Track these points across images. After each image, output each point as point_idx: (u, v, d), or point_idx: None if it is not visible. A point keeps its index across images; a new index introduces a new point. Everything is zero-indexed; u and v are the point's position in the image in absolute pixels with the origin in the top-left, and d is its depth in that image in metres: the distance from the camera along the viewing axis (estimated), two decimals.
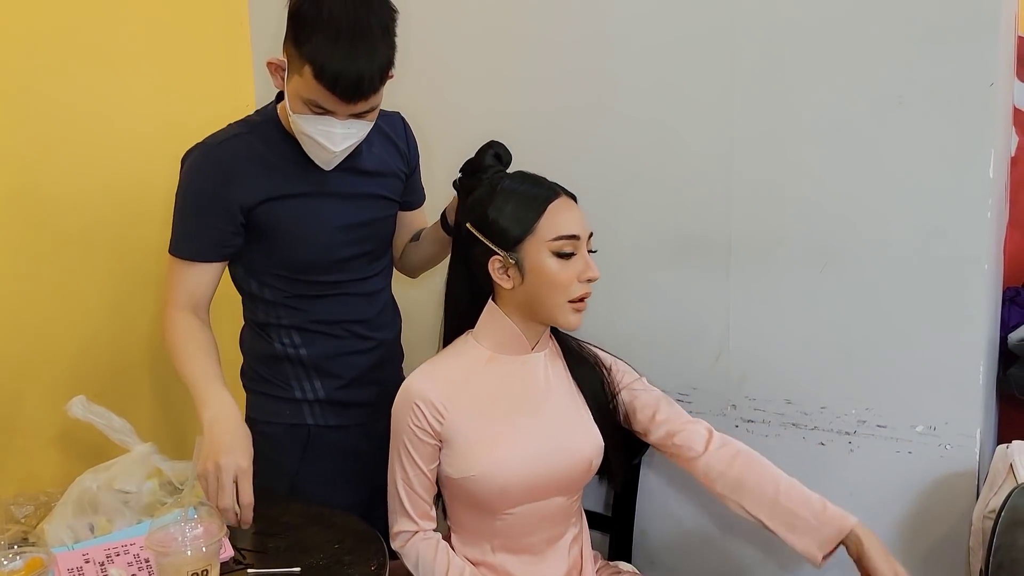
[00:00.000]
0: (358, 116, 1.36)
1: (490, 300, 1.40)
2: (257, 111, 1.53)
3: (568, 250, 1.32)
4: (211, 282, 1.48)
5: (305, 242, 1.47)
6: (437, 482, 1.40)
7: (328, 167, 1.43)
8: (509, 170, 1.41)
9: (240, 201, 1.42)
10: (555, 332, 1.48)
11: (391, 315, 1.64)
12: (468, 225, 1.36)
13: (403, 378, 1.40)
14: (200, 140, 1.47)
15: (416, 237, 1.66)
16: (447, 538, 1.43)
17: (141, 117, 1.86)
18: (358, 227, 1.51)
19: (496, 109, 1.83)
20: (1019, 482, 1.35)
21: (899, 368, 1.52)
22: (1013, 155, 2.18)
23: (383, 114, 1.51)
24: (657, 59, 1.65)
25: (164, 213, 1.52)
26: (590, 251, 1.36)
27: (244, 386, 1.60)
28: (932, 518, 1.54)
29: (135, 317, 1.88)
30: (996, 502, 1.36)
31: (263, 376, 1.56)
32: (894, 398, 1.54)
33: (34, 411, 1.68)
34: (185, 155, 1.47)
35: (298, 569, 1.25)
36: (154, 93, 1.89)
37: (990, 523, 1.34)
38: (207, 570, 1.12)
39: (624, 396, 1.45)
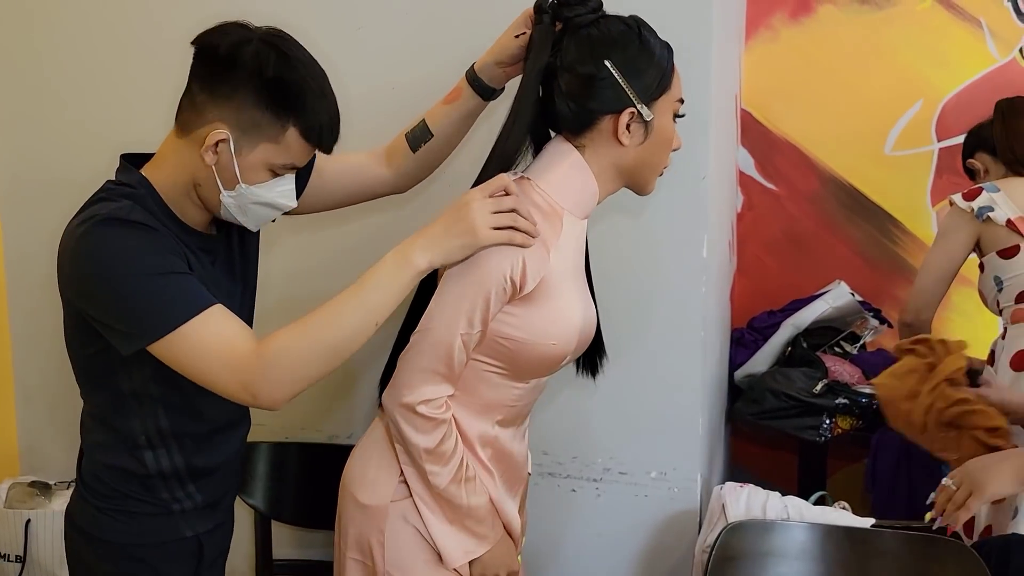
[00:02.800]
0: None
1: (573, 151, 1.24)
2: (115, 183, 1.23)
3: (678, 112, 1.27)
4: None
5: None
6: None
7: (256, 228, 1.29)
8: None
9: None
10: None
11: None
12: (609, 64, 1.19)
13: None
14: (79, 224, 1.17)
15: (419, 137, 1.42)
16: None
17: None
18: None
19: None
20: (728, 521, 1.58)
21: (636, 423, 1.73)
22: (739, 212, 2.52)
23: None
24: None
25: None
26: None
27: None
28: (664, 552, 1.75)
29: None
30: (711, 538, 1.59)
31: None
32: (633, 449, 1.74)
33: None
34: (82, 243, 1.15)
35: None
36: None
37: (707, 556, 1.57)
38: None
39: None
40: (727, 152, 2.15)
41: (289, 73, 1.16)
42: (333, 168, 1.42)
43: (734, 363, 2.35)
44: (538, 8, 1.25)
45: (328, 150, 1.24)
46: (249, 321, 1.36)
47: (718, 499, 1.66)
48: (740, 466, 2.44)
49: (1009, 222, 1.89)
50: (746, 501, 1.62)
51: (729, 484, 1.68)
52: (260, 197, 1.21)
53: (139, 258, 1.12)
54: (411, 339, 1.22)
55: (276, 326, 1.15)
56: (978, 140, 2.10)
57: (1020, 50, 2.33)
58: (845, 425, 2.15)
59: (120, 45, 1.92)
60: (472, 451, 1.28)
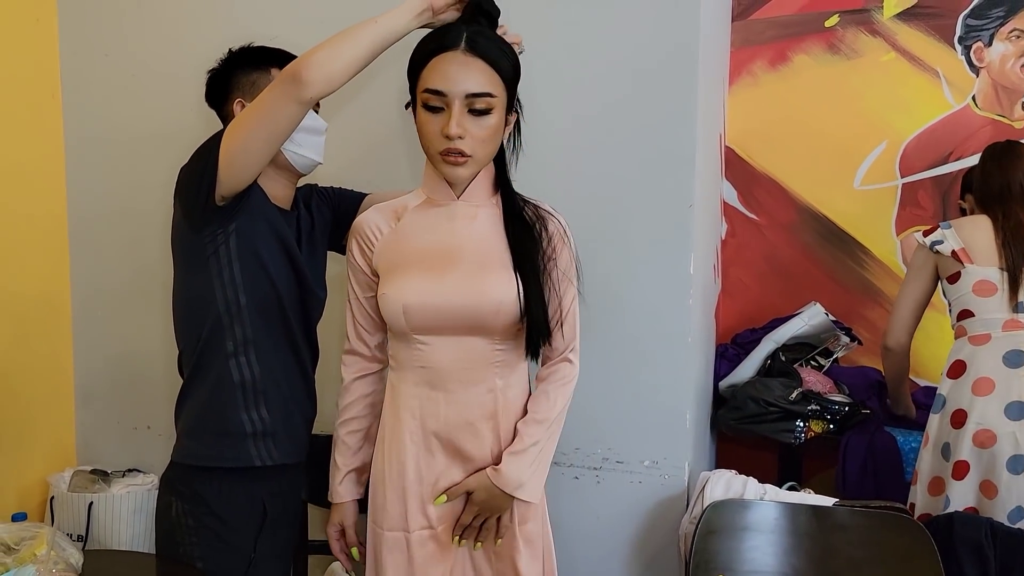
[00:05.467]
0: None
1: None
2: None
3: (435, 104, 1.38)
4: None
5: None
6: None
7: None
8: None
9: None
10: (504, 190, 1.51)
11: None
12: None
13: None
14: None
15: None
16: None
17: None
18: None
19: None
20: (710, 502, 1.82)
21: (631, 417, 1.96)
22: (723, 239, 2.77)
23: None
24: None
25: None
26: (483, 111, 1.39)
27: None
28: (656, 531, 1.98)
29: None
30: (697, 512, 1.83)
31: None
32: (629, 440, 1.97)
33: None
34: None
35: None
36: None
37: (693, 527, 1.79)
38: None
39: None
40: (712, 184, 2.41)
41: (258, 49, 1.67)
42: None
43: (718, 375, 2.55)
44: None
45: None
46: (323, 279, 1.72)
47: (702, 482, 1.89)
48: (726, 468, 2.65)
49: (953, 252, 2.14)
50: (727, 484, 1.85)
51: (717, 471, 1.92)
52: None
53: None
54: None
55: None
56: (965, 183, 2.34)
57: (972, 98, 2.58)
58: (818, 429, 2.37)
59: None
60: (401, 413, 1.49)
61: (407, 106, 1.49)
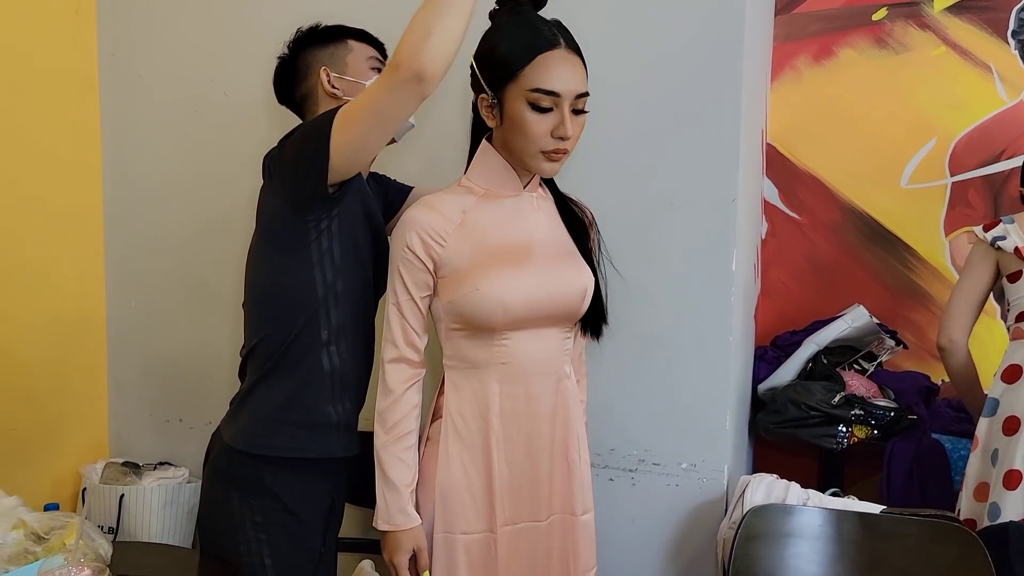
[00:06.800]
0: None
1: (484, 139, 1.45)
2: None
3: (545, 104, 1.36)
4: None
5: None
6: (435, 320, 1.46)
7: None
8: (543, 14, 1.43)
9: None
10: (547, 182, 1.54)
11: None
12: (473, 57, 1.41)
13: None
14: None
15: None
16: (442, 384, 1.49)
17: None
18: None
19: None
20: (750, 506, 1.76)
21: (669, 418, 1.91)
22: (763, 238, 2.71)
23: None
24: None
25: None
26: (582, 111, 1.39)
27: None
28: (693, 536, 1.93)
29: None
30: (736, 517, 1.77)
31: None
32: (665, 442, 1.92)
33: None
34: None
35: None
36: None
37: (732, 533, 1.74)
38: None
39: None
40: (753, 181, 2.35)
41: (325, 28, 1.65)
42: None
43: (757, 378, 2.49)
44: (491, 15, 1.47)
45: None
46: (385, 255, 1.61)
47: (742, 486, 1.84)
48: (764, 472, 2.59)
49: (1016, 249, 2.05)
50: (768, 488, 1.79)
51: (758, 475, 1.86)
52: None
53: None
54: None
55: None
56: None
57: None
58: (861, 434, 2.30)
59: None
60: (483, 414, 1.45)
61: (479, 105, 1.42)
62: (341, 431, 1.54)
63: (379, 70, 1.59)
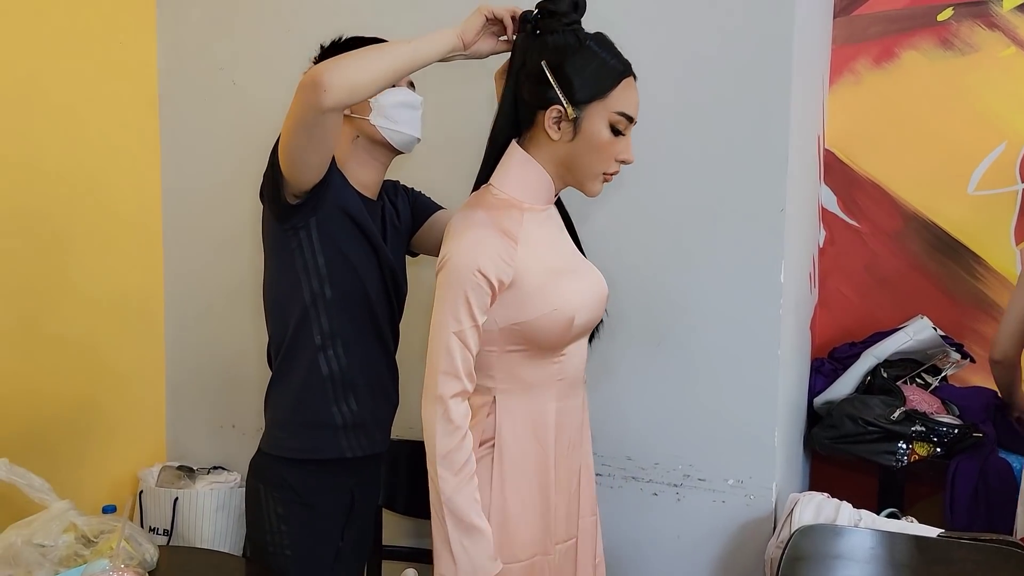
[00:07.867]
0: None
1: (518, 148, 1.41)
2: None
3: (622, 128, 1.38)
4: None
5: None
6: (481, 344, 1.36)
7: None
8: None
9: None
10: None
11: None
12: (544, 64, 1.36)
13: None
14: None
15: None
16: (492, 407, 1.40)
17: None
18: None
19: None
20: (798, 526, 1.70)
21: (715, 432, 1.87)
22: (821, 247, 2.63)
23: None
24: None
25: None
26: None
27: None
28: (739, 555, 1.87)
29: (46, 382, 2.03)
30: (784, 536, 1.71)
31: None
32: (712, 457, 1.88)
33: None
34: None
35: None
36: None
37: (779, 552, 1.68)
38: None
39: None
40: (809, 188, 2.29)
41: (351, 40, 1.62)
42: (443, 223, 1.70)
43: (813, 391, 2.42)
44: (523, 18, 1.41)
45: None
46: (404, 272, 1.69)
47: (791, 504, 1.78)
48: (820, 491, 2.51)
49: None
50: (817, 507, 1.73)
51: (807, 494, 1.79)
52: (392, 98, 1.55)
53: None
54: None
55: None
56: None
57: None
58: (922, 452, 2.20)
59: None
60: (540, 436, 1.40)
61: (546, 116, 1.36)
62: (349, 431, 1.61)
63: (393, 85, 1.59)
